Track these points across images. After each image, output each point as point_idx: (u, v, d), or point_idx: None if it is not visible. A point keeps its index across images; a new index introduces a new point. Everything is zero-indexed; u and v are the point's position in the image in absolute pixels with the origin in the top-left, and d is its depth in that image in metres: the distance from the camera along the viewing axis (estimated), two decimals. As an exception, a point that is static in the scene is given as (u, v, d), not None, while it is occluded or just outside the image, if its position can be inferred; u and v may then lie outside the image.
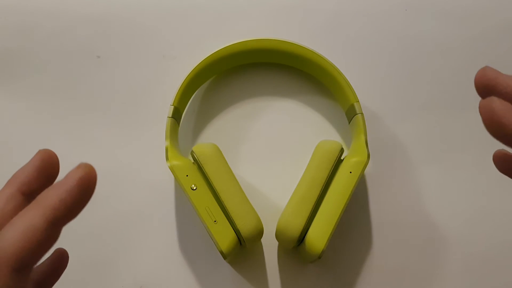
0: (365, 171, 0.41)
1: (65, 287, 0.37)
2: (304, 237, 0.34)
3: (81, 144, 0.42)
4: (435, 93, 0.44)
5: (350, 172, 0.35)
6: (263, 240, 0.38)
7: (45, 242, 0.18)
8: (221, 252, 0.34)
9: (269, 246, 0.39)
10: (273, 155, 0.42)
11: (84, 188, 0.19)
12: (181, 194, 0.41)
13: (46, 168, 0.22)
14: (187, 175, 0.35)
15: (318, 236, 0.34)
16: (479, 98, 0.48)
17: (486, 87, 0.23)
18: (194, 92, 0.42)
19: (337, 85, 0.41)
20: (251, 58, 0.43)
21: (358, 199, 0.41)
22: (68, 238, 0.42)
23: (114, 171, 0.41)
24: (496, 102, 0.20)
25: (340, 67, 0.41)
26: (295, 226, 0.34)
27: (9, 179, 0.22)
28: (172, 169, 0.35)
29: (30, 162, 0.22)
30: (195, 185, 0.35)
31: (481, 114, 0.20)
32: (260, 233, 0.35)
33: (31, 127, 0.43)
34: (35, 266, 0.22)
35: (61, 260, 0.26)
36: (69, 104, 0.43)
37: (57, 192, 0.19)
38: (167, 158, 0.36)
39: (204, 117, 0.43)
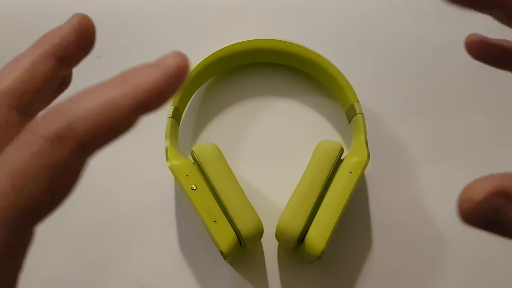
0: (365, 171, 0.41)
1: (65, 287, 0.38)
2: (304, 237, 0.34)
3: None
4: (435, 93, 0.44)
5: (350, 172, 0.35)
6: (263, 240, 0.38)
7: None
8: (221, 252, 0.34)
9: (269, 246, 0.39)
10: (273, 155, 0.42)
11: (83, 27, 0.18)
12: (181, 194, 0.41)
13: (84, 33, 0.19)
14: (187, 175, 0.35)
15: (318, 236, 0.34)
16: (479, 98, 0.48)
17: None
18: (194, 92, 0.42)
19: (337, 85, 0.41)
20: (251, 58, 0.43)
21: (358, 199, 0.41)
22: (68, 238, 0.42)
23: (114, 171, 0.41)
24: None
25: (340, 67, 0.41)
26: (295, 226, 0.34)
27: (40, 39, 0.19)
28: (172, 169, 0.35)
29: (67, 24, 0.19)
30: (195, 185, 0.35)
31: None
32: (260, 233, 0.35)
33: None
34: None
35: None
36: (69, 104, 0.43)
37: (57, 31, 0.18)
38: (167, 158, 0.36)
39: (204, 117, 0.43)
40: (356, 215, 0.40)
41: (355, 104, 0.39)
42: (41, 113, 0.15)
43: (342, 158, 0.37)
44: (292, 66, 0.44)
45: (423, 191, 0.41)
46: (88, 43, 0.19)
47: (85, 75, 0.44)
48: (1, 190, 0.14)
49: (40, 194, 0.14)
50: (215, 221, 0.34)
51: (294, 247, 0.36)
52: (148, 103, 0.15)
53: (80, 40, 0.19)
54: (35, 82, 0.17)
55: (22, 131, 0.14)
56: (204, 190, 0.35)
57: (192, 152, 0.37)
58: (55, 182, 0.14)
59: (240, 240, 0.35)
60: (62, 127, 0.14)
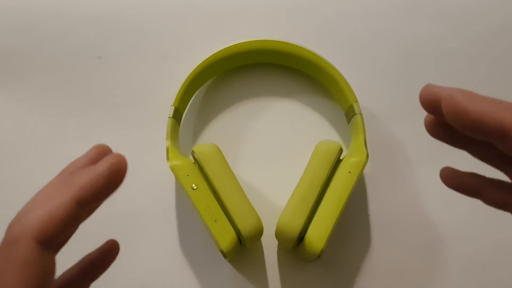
0: (364, 171, 0.41)
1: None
2: (303, 236, 0.35)
3: (82, 144, 0.42)
4: (434, 94, 0.44)
5: (349, 172, 0.36)
6: (263, 239, 0.38)
7: (69, 220, 0.19)
8: (222, 251, 0.34)
9: (269, 245, 0.39)
10: (273, 155, 0.42)
11: (114, 174, 0.19)
12: (181, 194, 0.41)
13: (113, 181, 0.20)
14: (187, 175, 0.35)
15: (318, 235, 0.34)
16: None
17: (433, 101, 0.23)
18: (195, 92, 0.42)
19: (336, 86, 0.41)
20: (251, 59, 0.43)
21: (357, 199, 0.41)
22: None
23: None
24: (457, 93, 0.20)
25: (339, 67, 0.41)
26: (294, 226, 0.34)
27: (63, 169, 0.22)
28: (172, 169, 0.36)
29: (85, 154, 0.22)
30: (195, 185, 0.35)
31: (444, 107, 0.20)
32: (260, 232, 0.35)
33: (31, 127, 0.43)
34: (87, 255, 0.23)
35: (111, 251, 0.25)
36: (70, 104, 0.44)
37: (87, 174, 0.19)
38: (167, 158, 0.36)
39: (205, 117, 0.43)
40: (355, 215, 0.40)
41: (354, 105, 0.39)
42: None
43: (341, 158, 0.37)
44: (292, 66, 0.44)
45: (422, 191, 0.41)
46: (114, 189, 0.20)
47: (86, 75, 0.45)
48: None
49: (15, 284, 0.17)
50: (215, 221, 0.34)
51: (293, 246, 0.36)
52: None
53: (106, 188, 0.20)
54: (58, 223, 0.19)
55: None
56: (205, 189, 0.35)
57: (192, 152, 0.37)
58: (24, 275, 0.17)
59: (240, 239, 0.35)
60: (16, 231, 0.18)
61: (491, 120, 0.19)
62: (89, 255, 0.25)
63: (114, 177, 0.20)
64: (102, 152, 0.22)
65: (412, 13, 0.46)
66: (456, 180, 0.24)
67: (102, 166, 0.19)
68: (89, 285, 0.25)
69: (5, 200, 0.36)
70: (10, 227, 0.19)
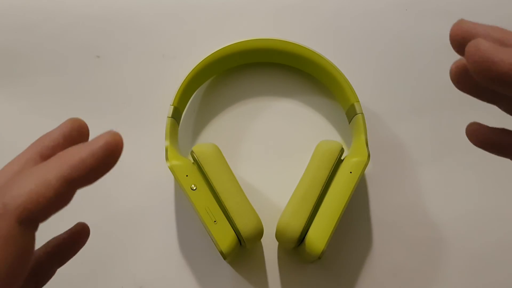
0: (365, 171, 0.41)
1: (64, 287, 0.37)
2: (304, 237, 0.34)
3: (81, 144, 0.42)
4: (436, 93, 0.44)
5: (350, 172, 0.35)
6: (263, 240, 0.38)
7: (56, 200, 0.17)
8: (221, 252, 0.34)
9: (269, 246, 0.39)
10: (273, 155, 0.42)
11: (108, 153, 0.18)
12: (181, 194, 0.41)
13: (74, 137, 0.20)
14: (187, 175, 0.35)
15: (318, 236, 0.34)
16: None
17: (464, 39, 0.20)
18: (194, 92, 0.42)
19: (337, 85, 0.41)
20: (251, 58, 0.43)
21: (358, 199, 0.41)
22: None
23: (114, 171, 0.41)
24: (483, 42, 0.17)
25: (340, 67, 0.41)
26: (295, 227, 0.34)
27: (33, 142, 0.21)
28: (172, 169, 0.35)
29: (58, 127, 0.21)
30: (195, 185, 0.35)
31: (467, 57, 0.18)
32: (260, 233, 0.35)
33: (29, 127, 0.43)
34: (55, 237, 0.22)
35: (80, 234, 0.24)
36: (69, 104, 0.43)
37: (80, 151, 0.18)
38: (167, 158, 0.36)
39: (204, 117, 0.43)
40: (356, 215, 0.40)
41: (356, 104, 0.39)
42: None
43: (342, 158, 0.37)
44: (292, 66, 0.44)
45: (423, 191, 0.41)
46: (109, 169, 0.19)
47: (85, 75, 0.44)
48: None
49: None
50: (215, 221, 0.34)
51: (294, 247, 0.36)
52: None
53: (68, 143, 0.20)
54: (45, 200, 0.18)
55: None
56: (204, 190, 0.35)
57: (192, 152, 0.37)
58: (3, 251, 0.17)
59: (240, 240, 0.35)
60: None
61: None
62: (56, 238, 0.24)
63: (109, 157, 0.18)
64: (78, 127, 0.21)
65: (414, 12, 0.46)
66: (483, 136, 0.22)
67: (97, 144, 0.18)
68: (55, 270, 0.24)
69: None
70: None
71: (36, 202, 0.17)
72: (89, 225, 0.41)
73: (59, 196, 0.17)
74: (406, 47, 0.45)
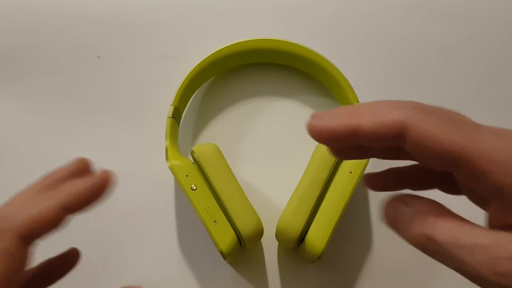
0: (365, 171, 0.41)
1: (64, 287, 0.37)
2: (304, 237, 0.34)
3: (81, 144, 0.42)
4: (435, 93, 0.44)
5: (350, 172, 0.35)
6: (263, 240, 0.38)
7: (55, 223, 0.21)
8: (221, 252, 0.34)
9: (269, 246, 0.39)
10: (273, 155, 0.42)
11: (97, 189, 0.23)
12: (181, 194, 0.41)
13: (79, 172, 0.25)
14: (187, 175, 0.35)
15: (318, 236, 0.34)
16: (479, 98, 0.47)
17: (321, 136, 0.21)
18: (194, 92, 0.42)
19: (337, 85, 0.41)
20: (251, 58, 0.43)
21: (358, 199, 0.41)
22: (68, 237, 0.42)
23: (114, 171, 0.41)
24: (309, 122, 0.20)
25: (340, 67, 0.41)
26: (295, 226, 0.34)
27: (42, 177, 0.24)
28: (172, 169, 0.35)
29: (66, 167, 0.25)
30: (195, 185, 0.35)
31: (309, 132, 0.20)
32: (260, 233, 0.35)
33: (30, 127, 0.43)
34: (48, 259, 0.26)
35: (72, 257, 0.27)
36: (69, 104, 0.43)
37: (78, 184, 0.23)
38: (167, 158, 0.36)
39: (204, 117, 0.43)
40: (356, 215, 0.40)
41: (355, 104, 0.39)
42: None
43: (342, 158, 0.37)
44: (292, 66, 0.44)
45: (423, 191, 0.41)
46: (101, 200, 0.23)
47: (85, 75, 0.44)
48: None
49: None
50: (215, 221, 0.34)
51: (294, 247, 0.36)
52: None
53: (93, 199, 0.23)
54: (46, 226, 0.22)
55: None
56: (204, 190, 0.35)
57: (192, 152, 0.37)
58: (2, 263, 0.20)
59: (240, 240, 0.35)
60: (3, 225, 0.21)
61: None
62: (49, 259, 0.27)
63: (101, 191, 0.23)
64: (83, 165, 0.25)
65: (413, 12, 0.46)
66: (379, 182, 0.25)
67: (92, 180, 0.23)
68: None
69: (5, 200, 0.36)
70: None
71: (39, 223, 0.21)
72: (89, 225, 0.41)
73: (57, 220, 0.21)
74: (406, 48, 0.45)
